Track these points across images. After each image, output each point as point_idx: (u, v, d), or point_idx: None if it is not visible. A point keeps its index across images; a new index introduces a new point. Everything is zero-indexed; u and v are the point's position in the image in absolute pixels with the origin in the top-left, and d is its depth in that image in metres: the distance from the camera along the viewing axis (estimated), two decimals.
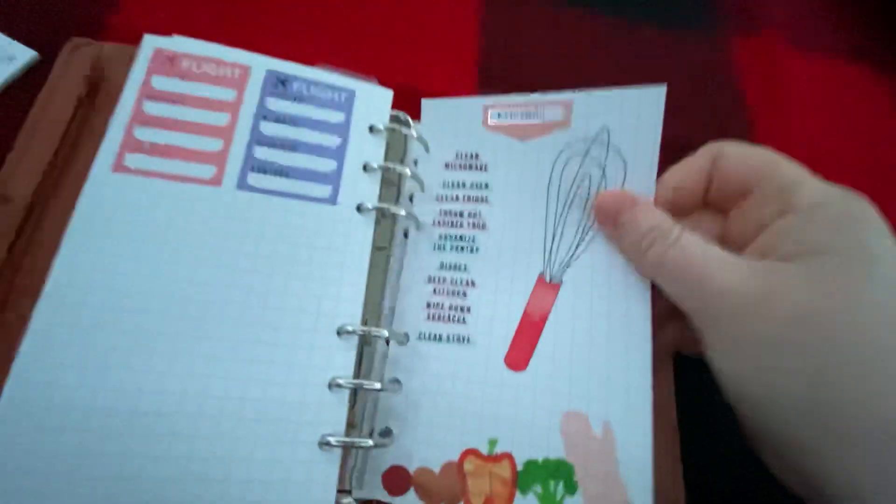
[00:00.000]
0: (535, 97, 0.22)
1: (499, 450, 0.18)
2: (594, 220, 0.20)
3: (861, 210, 0.16)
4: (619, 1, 0.36)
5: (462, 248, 0.21)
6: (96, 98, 0.21)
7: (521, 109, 0.22)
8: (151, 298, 0.17)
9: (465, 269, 0.21)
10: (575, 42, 0.33)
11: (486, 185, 0.22)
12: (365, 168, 0.21)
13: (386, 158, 0.22)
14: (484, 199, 0.22)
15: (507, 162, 0.21)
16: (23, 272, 0.18)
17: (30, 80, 0.22)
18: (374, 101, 0.22)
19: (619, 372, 0.18)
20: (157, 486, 0.16)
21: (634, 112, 0.20)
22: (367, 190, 0.21)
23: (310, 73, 0.21)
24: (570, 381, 0.18)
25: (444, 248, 0.21)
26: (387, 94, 0.22)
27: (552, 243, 0.20)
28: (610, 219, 0.20)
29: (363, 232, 0.20)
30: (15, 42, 0.22)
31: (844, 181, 0.33)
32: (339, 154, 0.21)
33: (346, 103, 0.21)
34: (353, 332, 0.19)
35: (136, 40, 0.23)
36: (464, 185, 0.22)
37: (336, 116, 0.21)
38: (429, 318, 0.21)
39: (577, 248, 0.20)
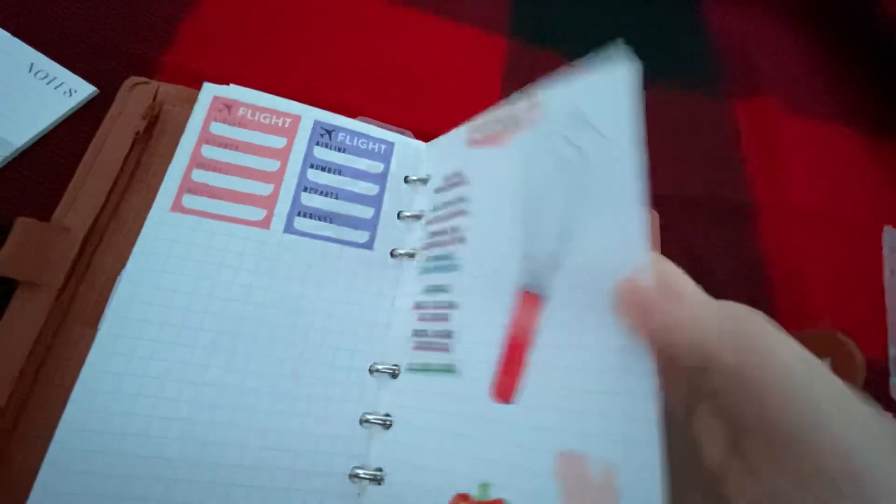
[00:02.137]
0: (504, 108, 0.20)
1: (493, 495, 0.16)
2: (580, 213, 0.16)
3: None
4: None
5: (444, 268, 0.19)
6: (152, 135, 0.23)
7: (496, 121, 0.20)
8: (203, 333, 0.18)
9: (447, 289, 0.19)
10: None
11: (465, 198, 0.20)
12: (398, 216, 0.23)
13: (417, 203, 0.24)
14: (463, 212, 0.20)
15: (485, 170, 0.20)
16: (78, 299, 0.20)
17: (88, 114, 0.23)
18: (409, 153, 0.24)
19: (618, 401, 0.14)
20: None
21: (607, 93, 0.18)
22: (400, 236, 0.22)
23: (353, 124, 0.23)
24: (561, 415, 0.15)
25: (428, 271, 0.20)
26: (421, 147, 0.24)
27: (532, 246, 0.17)
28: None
29: (395, 275, 0.22)
30: (77, 77, 0.24)
31: (830, 230, 0.35)
32: (377, 202, 0.22)
33: (385, 155, 0.23)
34: (384, 371, 0.20)
35: (188, 79, 0.25)
36: (446, 203, 0.21)
37: (376, 167, 0.23)
38: (416, 347, 0.19)
39: (560, 248, 0.16)
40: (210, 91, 0.22)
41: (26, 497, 0.16)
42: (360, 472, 0.19)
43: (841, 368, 0.23)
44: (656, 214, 0.30)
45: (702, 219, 0.33)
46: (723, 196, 0.34)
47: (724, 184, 0.35)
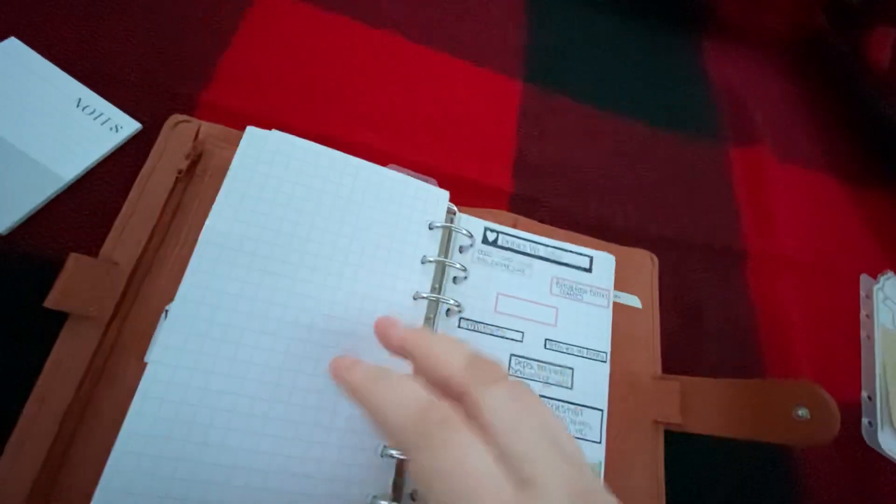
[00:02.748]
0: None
1: None
2: None
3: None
4: (639, 107, 0.41)
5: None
6: (194, 173, 0.24)
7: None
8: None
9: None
10: (596, 138, 0.38)
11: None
12: (422, 261, 0.24)
13: (440, 248, 0.25)
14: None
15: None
16: (125, 332, 0.21)
17: (133, 149, 0.25)
18: (432, 200, 0.26)
19: None
20: None
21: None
22: (422, 279, 0.24)
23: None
24: None
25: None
26: (444, 195, 0.26)
27: None
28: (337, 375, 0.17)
29: (416, 315, 0.24)
30: (121, 112, 0.25)
31: (813, 277, 0.38)
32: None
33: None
34: None
35: (226, 116, 0.26)
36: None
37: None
38: None
39: None
40: (253, 135, 0.23)
41: None
42: (381, 502, 0.20)
43: (817, 415, 0.26)
44: (655, 258, 0.32)
45: (697, 264, 0.35)
46: (717, 241, 0.37)
47: (718, 229, 0.37)
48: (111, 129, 0.25)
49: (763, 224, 0.38)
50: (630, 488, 0.25)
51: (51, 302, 0.20)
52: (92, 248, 0.22)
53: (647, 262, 0.32)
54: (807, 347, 0.34)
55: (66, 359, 0.20)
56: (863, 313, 0.38)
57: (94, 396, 0.20)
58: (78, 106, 0.25)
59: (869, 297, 0.39)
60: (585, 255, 0.29)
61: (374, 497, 0.20)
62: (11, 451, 0.18)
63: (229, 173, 0.23)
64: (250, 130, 0.24)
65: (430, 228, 0.25)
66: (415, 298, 0.24)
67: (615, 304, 0.29)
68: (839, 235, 0.41)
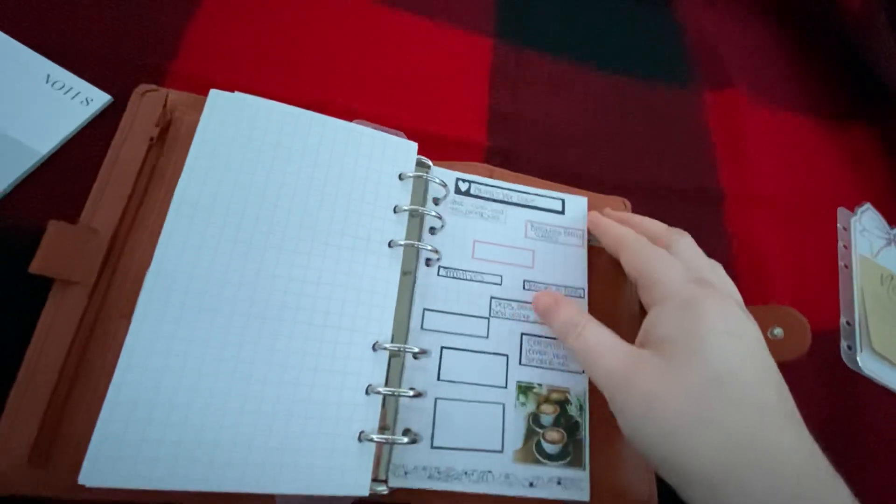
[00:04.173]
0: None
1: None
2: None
3: (698, 303, 0.21)
4: (613, 58, 0.41)
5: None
6: (165, 140, 0.25)
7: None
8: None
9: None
10: (569, 90, 0.38)
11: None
12: (395, 210, 0.25)
13: (415, 197, 0.26)
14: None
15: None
16: (111, 294, 0.22)
17: (105, 121, 0.25)
18: (401, 151, 0.26)
19: None
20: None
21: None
22: (397, 228, 0.25)
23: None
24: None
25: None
26: (412, 146, 0.26)
27: None
28: (542, 314, 0.26)
29: (392, 264, 0.24)
30: (90, 85, 0.26)
31: (790, 214, 0.38)
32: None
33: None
34: (386, 348, 0.23)
35: (193, 84, 0.27)
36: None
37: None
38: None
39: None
40: (217, 98, 0.24)
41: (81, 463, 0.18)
42: (373, 436, 0.21)
43: (790, 334, 0.27)
44: (627, 202, 0.33)
45: (671, 205, 0.36)
46: (692, 184, 0.37)
47: (693, 173, 0.38)
48: (82, 102, 0.25)
49: (740, 165, 0.39)
50: (609, 414, 0.26)
51: (35, 267, 0.21)
52: (73, 217, 0.23)
53: (619, 207, 0.33)
54: (785, 279, 0.35)
55: (55, 323, 0.21)
56: (840, 244, 0.38)
57: (85, 356, 0.21)
58: (47, 82, 0.25)
59: (846, 228, 0.39)
60: (557, 199, 0.30)
61: (363, 432, 0.21)
62: (11, 411, 0.19)
63: (196, 137, 0.23)
64: (214, 93, 0.24)
65: (401, 179, 0.26)
66: (390, 246, 0.24)
67: (592, 247, 0.29)
68: (816, 173, 0.42)
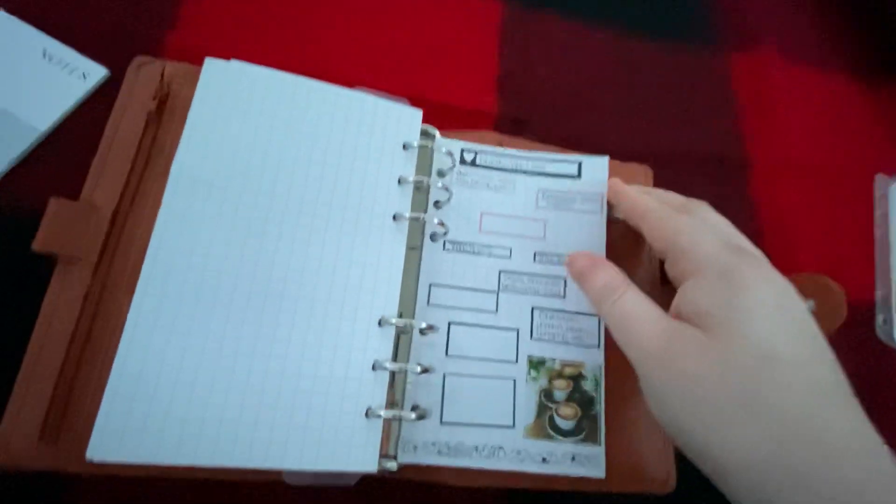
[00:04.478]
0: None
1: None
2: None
3: (739, 273, 0.19)
4: (630, 18, 0.38)
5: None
6: (163, 113, 0.24)
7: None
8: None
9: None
10: (584, 54, 0.36)
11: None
12: (399, 181, 0.24)
13: (419, 170, 0.25)
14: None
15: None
16: (114, 270, 0.22)
17: (103, 95, 0.25)
18: (405, 120, 0.25)
19: None
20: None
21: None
22: (401, 201, 0.24)
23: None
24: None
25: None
26: (416, 114, 0.25)
27: None
28: (577, 276, 0.24)
29: (397, 238, 0.24)
30: (87, 59, 0.25)
31: (823, 181, 0.36)
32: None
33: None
34: (392, 323, 0.22)
35: (192, 56, 0.26)
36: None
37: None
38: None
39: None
40: (212, 66, 0.23)
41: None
42: (381, 412, 0.21)
43: (824, 306, 0.25)
44: (650, 171, 0.31)
45: (693, 174, 0.34)
46: (716, 151, 0.35)
47: (717, 139, 0.36)
48: (80, 77, 0.25)
49: (768, 130, 0.36)
50: (631, 391, 0.25)
51: (37, 244, 0.21)
52: (74, 194, 0.23)
53: (640, 176, 0.31)
54: (816, 251, 0.33)
55: (60, 300, 0.21)
56: (877, 213, 0.36)
57: (91, 333, 0.21)
58: (44, 57, 0.25)
59: (885, 196, 0.37)
60: (573, 162, 0.28)
61: (370, 408, 0.21)
62: (20, 389, 0.19)
63: (192, 107, 0.22)
64: (209, 62, 0.23)
65: (405, 149, 0.25)
66: (395, 219, 0.24)
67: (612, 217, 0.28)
68: (851, 136, 0.39)
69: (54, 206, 0.21)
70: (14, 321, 0.20)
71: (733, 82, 0.38)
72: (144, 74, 0.25)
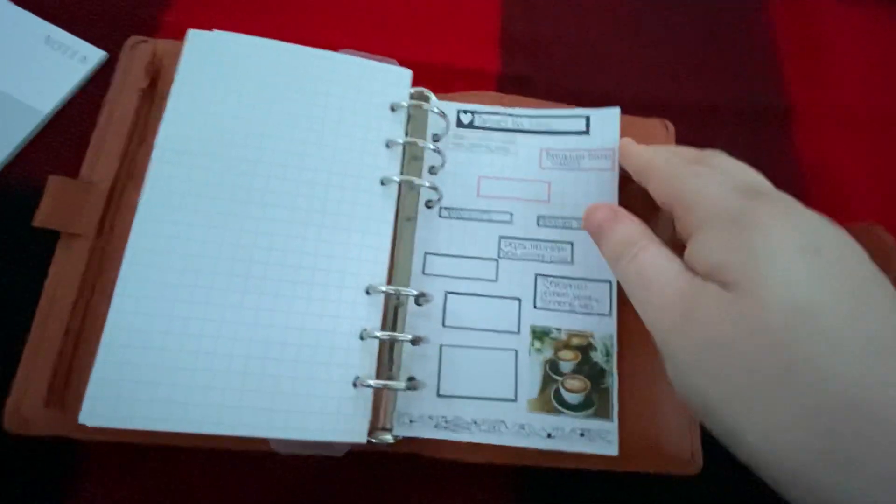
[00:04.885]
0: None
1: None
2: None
3: (752, 215, 0.16)
4: None
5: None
6: (156, 90, 0.25)
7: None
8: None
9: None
10: (598, 2, 0.33)
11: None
12: (388, 144, 0.23)
13: (412, 134, 0.24)
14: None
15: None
16: (111, 244, 0.22)
17: (102, 77, 0.25)
18: (392, 80, 0.24)
19: None
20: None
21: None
22: (390, 164, 0.23)
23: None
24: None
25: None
26: (405, 74, 0.24)
27: None
28: (594, 230, 0.21)
29: (386, 203, 0.23)
30: (86, 43, 0.26)
31: (877, 131, 0.31)
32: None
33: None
34: (381, 291, 0.21)
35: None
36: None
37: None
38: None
39: None
40: (195, 38, 0.23)
41: None
42: (370, 381, 0.20)
43: (875, 258, 0.22)
44: (671, 125, 0.29)
45: (726, 129, 0.31)
46: (753, 102, 0.32)
47: (753, 88, 0.32)
48: (80, 60, 0.25)
49: (812, 76, 0.32)
50: (649, 362, 0.23)
51: (37, 221, 0.21)
52: (77, 172, 0.23)
53: (659, 132, 0.28)
54: (867, 207, 0.29)
55: (62, 275, 0.21)
56: None
57: (91, 304, 0.21)
58: (47, 43, 0.25)
59: None
60: (580, 117, 0.26)
61: (358, 378, 0.20)
62: (28, 358, 0.20)
63: (175, 79, 0.22)
64: (192, 33, 0.23)
65: (393, 111, 0.24)
66: (383, 183, 0.23)
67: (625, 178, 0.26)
68: None
69: (53, 183, 0.22)
70: (23, 295, 0.21)
71: (770, 19, 0.34)
72: (138, 54, 0.25)
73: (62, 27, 0.26)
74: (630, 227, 0.20)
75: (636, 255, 0.18)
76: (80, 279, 0.21)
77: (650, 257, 0.18)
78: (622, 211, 0.21)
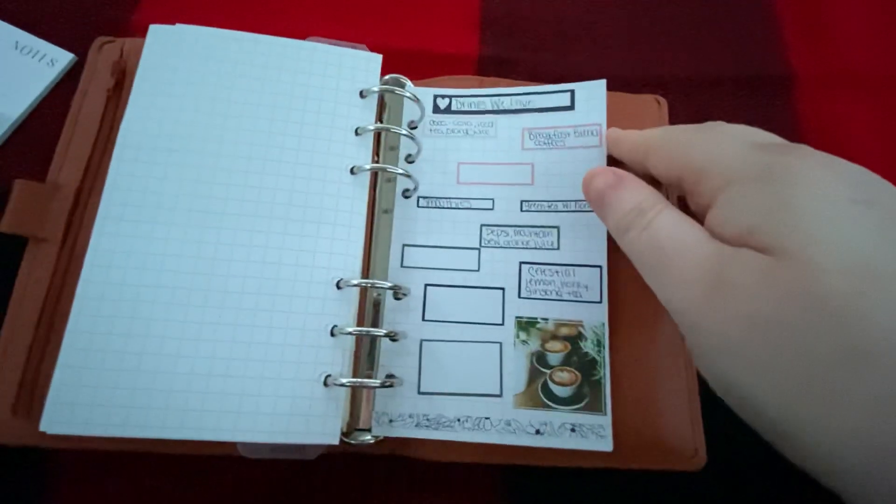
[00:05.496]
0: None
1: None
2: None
3: (786, 167, 0.14)
4: None
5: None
6: (122, 89, 0.24)
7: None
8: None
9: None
10: None
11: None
12: (357, 132, 0.22)
13: (387, 122, 0.23)
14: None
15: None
16: (78, 248, 0.22)
17: (71, 80, 0.25)
18: (361, 66, 0.23)
19: None
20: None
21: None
22: (359, 152, 0.22)
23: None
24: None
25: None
26: (375, 59, 0.23)
27: None
28: (596, 198, 0.19)
29: (357, 193, 0.22)
30: (55, 46, 0.25)
31: (882, 96, 0.29)
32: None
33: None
34: (353, 285, 0.20)
35: None
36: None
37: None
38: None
39: None
40: (157, 33, 0.22)
41: None
42: (343, 380, 0.19)
43: None
44: (663, 101, 0.27)
45: (723, 100, 0.29)
46: (750, 70, 0.30)
47: (751, 55, 0.30)
48: (48, 63, 0.25)
49: (815, 37, 0.30)
50: (644, 350, 0.22)
51: (4, 226, 0.21)
52: (45, 177, 0.23)
53: (651, 108, 0.27)
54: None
55: (30, 280, 0.21)
56: None
57: (58, 310, 0.21)
58: (16, 48, 0.25)
59: None
60: (564, 91, 0.24)
61: (329, 376, 0.19)
62: None
63: (137, 74, 0.22)
64: (153, 28, 0.22)
65: (363, 97, 0.23)
66: (353, 172, 0.22)
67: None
68: None
69: (19, 187, 0.21)
70: None
71: None
72: (105, 54, 0.24)
73: (31, 31, 0.26)
74: (639, 191, 0.17)
75: (650, 223, 0.16)
76: (48, 285, 0.21)
77: (667, 224, 0.16)
78: (627, 175, 0.18)
